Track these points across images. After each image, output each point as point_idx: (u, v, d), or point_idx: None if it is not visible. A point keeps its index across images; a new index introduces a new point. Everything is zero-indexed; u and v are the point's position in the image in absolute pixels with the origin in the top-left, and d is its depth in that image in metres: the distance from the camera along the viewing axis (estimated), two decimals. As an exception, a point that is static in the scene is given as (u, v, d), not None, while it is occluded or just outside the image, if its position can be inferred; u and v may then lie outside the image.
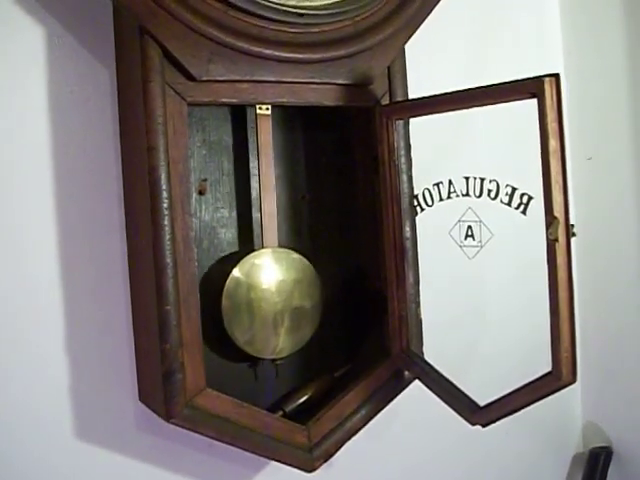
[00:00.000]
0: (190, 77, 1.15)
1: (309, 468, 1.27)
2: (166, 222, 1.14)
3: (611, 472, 1.69)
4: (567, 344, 1.11)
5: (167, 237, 1.14)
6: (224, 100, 1.20)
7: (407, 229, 1.33)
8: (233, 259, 1.29)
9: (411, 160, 1.33)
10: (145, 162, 1.14)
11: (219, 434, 1.20)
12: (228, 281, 1.27)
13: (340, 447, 1.30)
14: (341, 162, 1.42)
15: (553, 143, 1.09)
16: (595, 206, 1.62)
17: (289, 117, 1.37)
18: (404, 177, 1.33)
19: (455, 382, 1.27)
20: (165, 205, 1.14)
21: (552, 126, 1.09)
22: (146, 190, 1.14)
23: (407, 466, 1.56)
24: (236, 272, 1.28)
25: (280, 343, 1.32)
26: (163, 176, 1.13)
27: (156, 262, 1.14)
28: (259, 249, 1.30)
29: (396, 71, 1.33)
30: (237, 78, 1.19)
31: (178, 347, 1.15)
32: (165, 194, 1.13)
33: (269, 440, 1.24)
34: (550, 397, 1.68)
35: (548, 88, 1.08)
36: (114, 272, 1.27)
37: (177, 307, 1.15)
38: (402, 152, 1.33)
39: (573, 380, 1.12)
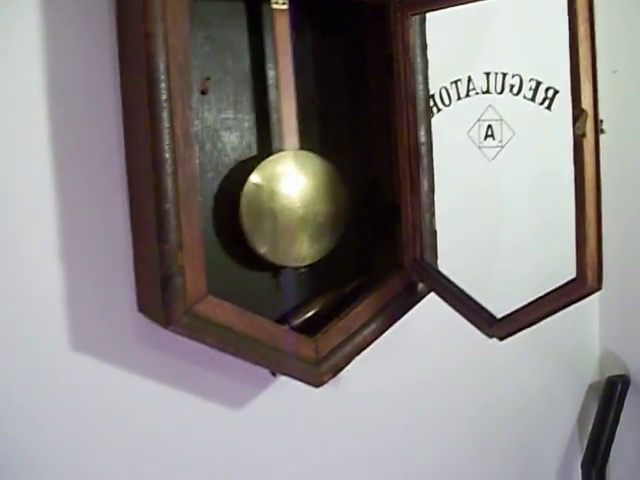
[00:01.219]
0: (190, -42, 1.07)
1: (317, 382, 1.22)
2: (165, 115, 1.06)
3: (628, 401, 1.63)
4: (593, 247, 1.04)
5: (166, 131, 1.06)
6: (226, -14, 1.12)
7: (422, 133, 1.25)
8: (251, 163, 1.22)
9: (427, 60, 1.25)
10: (143, 50, 1.06)
11: (221, 343, 1.14)
12: (246, 187, 1.20)
13: (349, 361, 1.25)
14: (353, 64, 1.34)
15: (582, 29, 1.01)
16: (620, 120, 1.52)
17: (295, 14, 1.28)
18: (420, 78, 1.25)
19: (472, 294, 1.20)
20: (164, 97, 1.06)
21: (582, 10, 1.00)
22: (143, 80, 1.06)
23: (419, 383, 1.50)
24: (255, 178, 1.21)
25: (303, 250, 1.26)
26: (162, 65, 1.06)
27: (154, 157, 1.07)
28: (278, 152, 1.23)
29: (413, -39, 1.23)
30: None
31: (178, 249, 1.08)
32: (164, 84, 1.06)
33: (274, 352, 1.18)
34: (568, 324, 1.63)
35: (579, -32, 1.00)
36: (110, 171, 1.19)
37: (176, 206, 1.08)
38: (418, 51, 1.24)
39: (599, 286, 1.05)
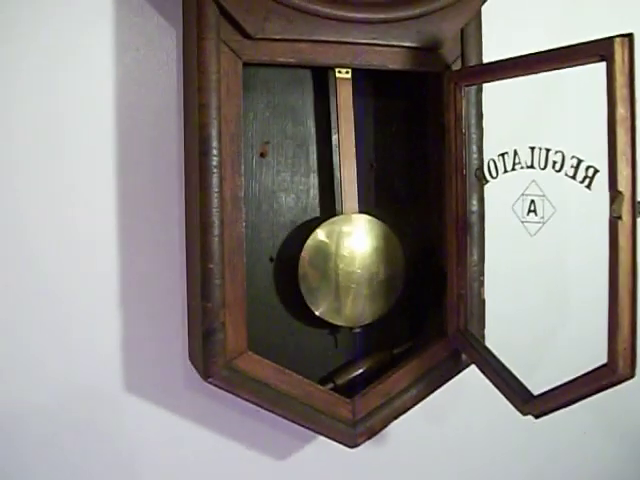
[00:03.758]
0: (246, 35, 1.14)
1: (351, 443, 1.23)
2: (214, 180, 1.13)
3: None
4: (626, 334, 1.01)
5: (215, 195, 1.13)
6: (281, 60, 1.17)
7: (474, 202, 1.26)
8: (313, 224, 1.28)
9: (482, 130, 1.26)
10: (197, 119, 1.14)
11: (258, 399, 1.18)
12: (308, 244, 1.25)
13: (387, 424, 1.26)
14: (413, 130, 1.36)
15: (622, 111, 0.99)
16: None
17: (356, 81, 1.32)
18: (474, 148, 1.26)
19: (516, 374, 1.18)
20: (214, 163, 1.13)
21: (621, 92, 0.99)
22: (196, 147, 1.14)
23: (465, 454, 1.49)
24: (317, 237, 1.26)
25: (359, 311, 1.30)
26: (214, 133, 1.13)
27: (202, 220, 1.14)
28: (339, 215, 1.28)
29: (470, 35, 1.25)
30: (294, 37, 1.16)
31: (220, 307, 1.14)
32: (215, 152, 1.13)
33: (310, 410, 1.21)
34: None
35: (619, 49, 0.98)
36: (171, 225, 1.28)
37: (222, 267, 1.14)
38: (472, 121, 1.26)
39: (631, 374, 1.01)
